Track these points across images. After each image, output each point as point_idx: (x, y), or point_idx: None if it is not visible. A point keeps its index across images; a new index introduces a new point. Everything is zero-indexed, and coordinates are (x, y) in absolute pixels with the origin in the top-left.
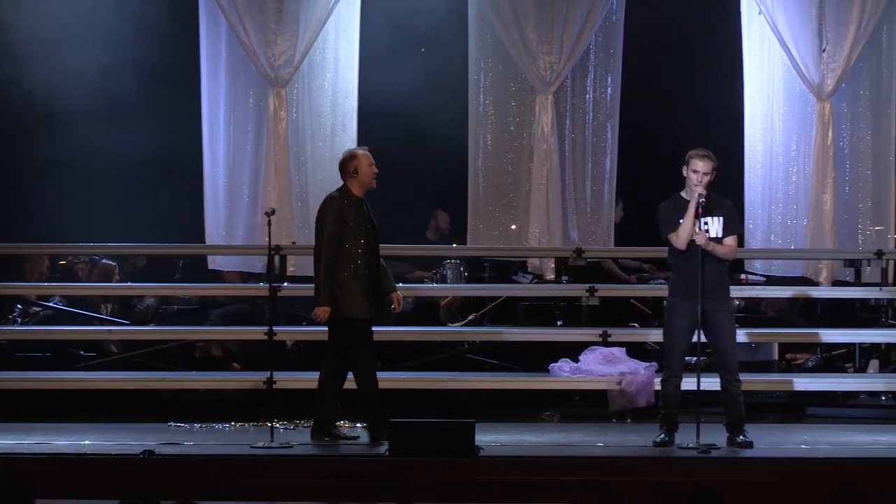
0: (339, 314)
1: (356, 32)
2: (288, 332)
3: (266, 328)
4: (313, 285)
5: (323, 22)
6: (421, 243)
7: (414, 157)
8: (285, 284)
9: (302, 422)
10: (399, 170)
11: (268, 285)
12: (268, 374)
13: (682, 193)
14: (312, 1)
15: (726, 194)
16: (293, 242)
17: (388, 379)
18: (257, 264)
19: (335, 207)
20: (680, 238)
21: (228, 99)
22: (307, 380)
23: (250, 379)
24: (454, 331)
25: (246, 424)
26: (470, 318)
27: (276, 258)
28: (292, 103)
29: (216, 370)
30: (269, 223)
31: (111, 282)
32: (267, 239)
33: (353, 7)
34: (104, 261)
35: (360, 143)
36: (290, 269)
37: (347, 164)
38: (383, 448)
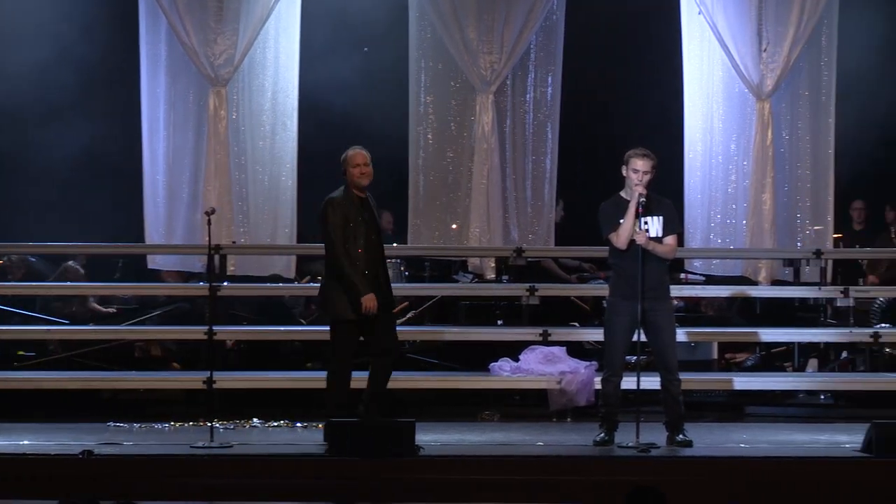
0: (332, 315)
1: (296, 31)
2: (228, 332)
3: (206, 328)
4: (319, 287)
5: (263, 21)
6: None
7: None
8: (225, 284)
9: (241, 421)
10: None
11: (208, 285)
12: (207, 373)
13: (622, 193)
14: (253, 0)
15: (666, 194)
16: (233, 242)
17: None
18: (197, 264)
19: (339, 207)
20: (620, 238)
21: (168, 98)
22: (247, 379)
23: (190, 379)
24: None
25: (186, 424)
26: (409, 315)
27: (216, 257)
28: (232, 102)
29: (156, 370)
30: (210, 222)
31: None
32: (207, 238)
33: (294, 6)
34: (70, 263)
35: (300, 142)
36: (231, 269)
37: (341, 165)
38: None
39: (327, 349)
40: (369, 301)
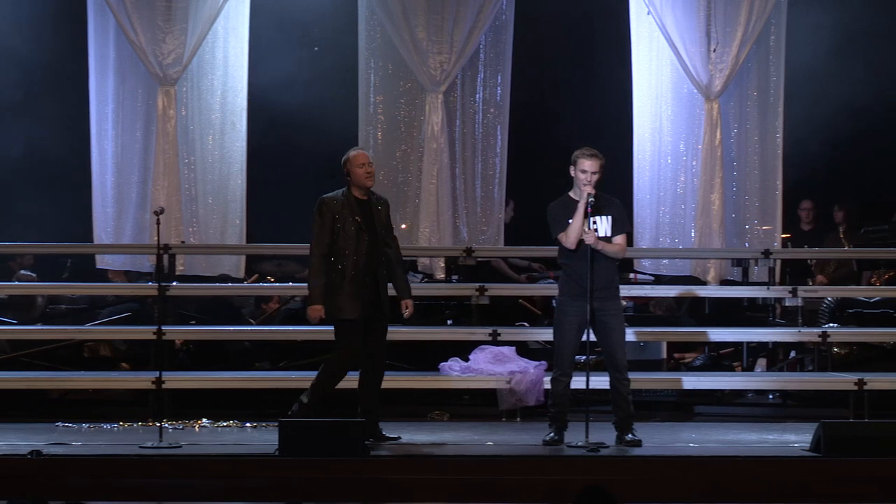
0: (329, 314)
1: (245, 31)
2: (177, 332)
3: (155, 328)
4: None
5: (212, 20)
6: None
7: (304, 156)
8: (174, 284)
9: (190, 421)
10: (290, 169)
11: (157, 284)
12: (156, 373)
13: (571, 193)
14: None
15: (615, 194)
16: (182, 241)
17: (277, 378)
18: (146, 263)
19: (329, 208)
20: (569, 238)
21: (117, 97)
22: (196, 379)
23: (139, 379)
24: None
25: (134, 424)
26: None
27: (165, 257)
28: (181, 102)
29: (104, 370)
30: (158, 222)
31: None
32: (156, 238)
33: (243, 5)
34: (22, 272)
35: (250, 141)
36: (180, 269)
37: (343, 167)
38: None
39: (275, 349)
40: (313, 312)
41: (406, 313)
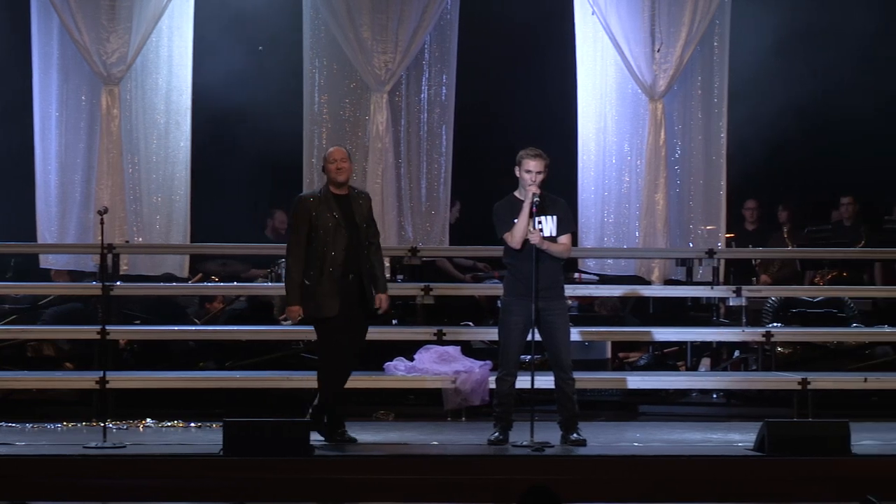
0: (308, 314)
1: (189, 30)
2: (121, 332)
3: (99, 327)
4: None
5: (156, 20)
6: (260, 242)
7: (250, 155)
8: (118, 283)
9: (134, 421)
10: (234, 169)
11: (101, 284)
12: (101, 373)
13: (517, 193)
14: None
15: (560, 194)
16: (126, 241)
17: (222, 378)
18: (90, 263)
19: (304, 206)
20: (514, 238)
21: (60, 96)
22: (140, 379)
23: (83, 379)
24: (289, 329)
25: (78, 424)
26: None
27: (109, 257)
28: (125, 101)
29: (48, 370)
30: (102, 222)
31: None
32: (100, 237)
33: (187, 5)
34: None
35: (194, 140)
36: (124, 268)
37: (323, 164)
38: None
39: (220, 349)
40: (291, 312)
41: (381, 309)
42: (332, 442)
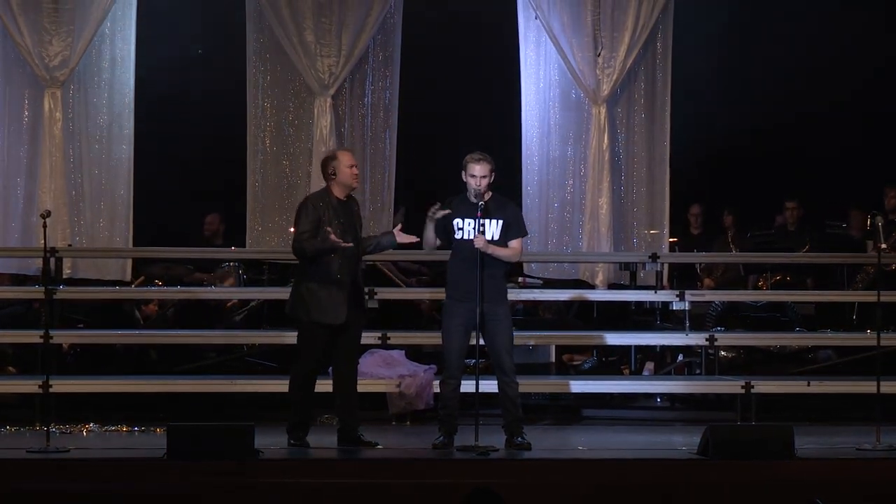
0: (308, 318)
1: (132, 32)
2: (64, 336)
3: (42, 331)
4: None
5: (99, 22)
6: (202, 245)
7: (193, 158)
8: (61, 287)
9: (78, 425)
10: (177, 172)
11: (43, 288)
12: (43, 377)
13: (468, 195)
14: (88, 2)
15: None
16: (69, 245)
17: (166, 383)
18: (32, 267)
19: (312, 209)
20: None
21: (2, 99)
22: (83, 383)
23: (26, 383)
24: (233, 334)
25: (21, 428)
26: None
27: (52, 260)
28: (68, 103)
29: None
30: (45, 225)
31: None
32: (42, 241)
33: (130, 7)
34: None
35: (137, 143)
36: (66, 272)
37: (327, 166)
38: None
39: (162, 352)
40: (338, 244)
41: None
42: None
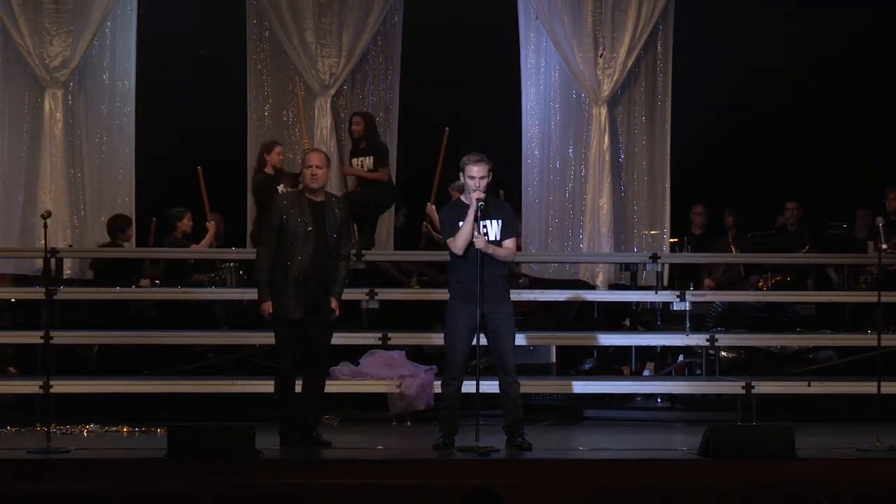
0: (273, 313)
1: (133, 33)
2: (65, 336)
3: (42, 332)
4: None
5: (100, 23)
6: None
7: (193, 158)
8: (62, 287)
9: (79, 426)
10: (178, 172)
11: (44, 288)
12: (44, 378)
13: (462, 197)
14: (89, 2)
15: (504, 198)
16: (70, 245)
17: (167, 383)
18: (33, 267)
19: (276, 207)
20: (458, 243)
21: (2, 100)
22: (84, 384)
23: (26, 383)
24: (233, 335)
25: (22, 429)
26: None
27: (53, 261)
28: (68, 104)
29: None
30: (46, 225)
31: None
32: (43, 241)
33: (131, 9)
34: None
35: (138, 144)
36: (67, 272)
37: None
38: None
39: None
40: (263, 311)
41: (333, 313)
42: (304, 443)
